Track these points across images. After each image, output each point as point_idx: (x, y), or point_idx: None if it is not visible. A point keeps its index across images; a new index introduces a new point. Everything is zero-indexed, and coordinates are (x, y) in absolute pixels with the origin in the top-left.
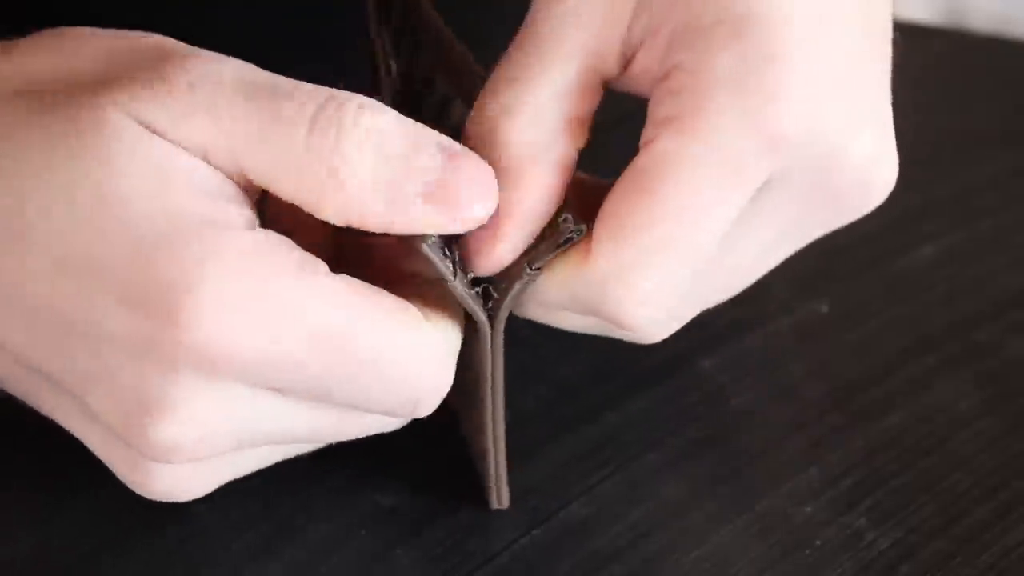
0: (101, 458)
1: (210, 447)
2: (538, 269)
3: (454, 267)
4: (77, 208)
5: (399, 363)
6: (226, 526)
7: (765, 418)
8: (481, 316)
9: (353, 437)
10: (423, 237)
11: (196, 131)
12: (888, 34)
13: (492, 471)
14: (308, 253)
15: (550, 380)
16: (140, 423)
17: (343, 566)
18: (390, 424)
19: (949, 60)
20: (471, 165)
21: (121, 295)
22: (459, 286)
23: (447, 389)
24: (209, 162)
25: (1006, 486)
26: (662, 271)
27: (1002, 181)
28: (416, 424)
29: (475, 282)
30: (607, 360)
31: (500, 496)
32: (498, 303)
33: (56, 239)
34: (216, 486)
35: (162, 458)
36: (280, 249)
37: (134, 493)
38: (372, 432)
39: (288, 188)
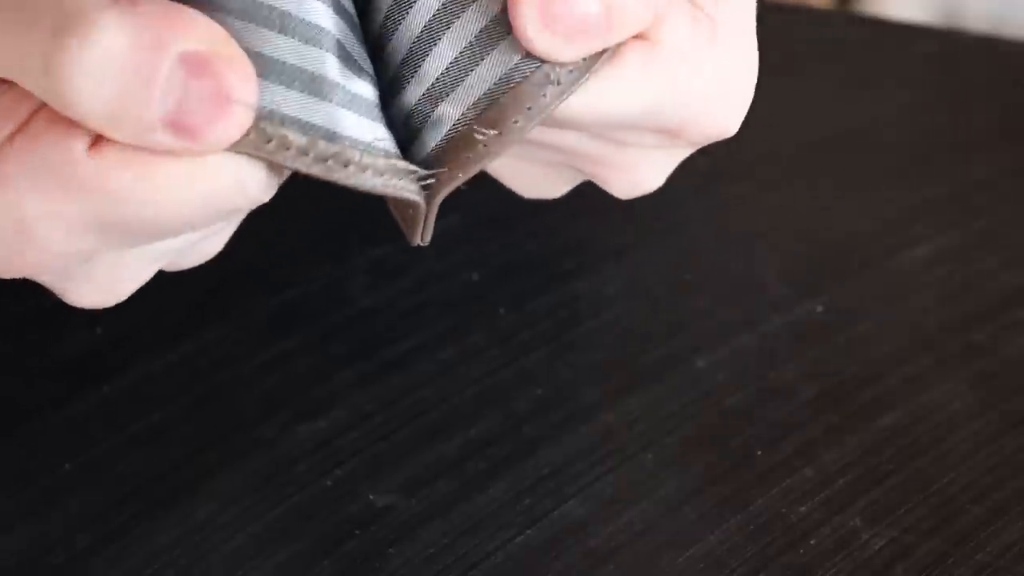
0: None
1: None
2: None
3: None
4: None
5: None
6: (218, 526)
7: (760, 418)
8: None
9: None
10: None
11: None
12: None
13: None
14: None
15: (546, 380)
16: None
17: (336, 567)
18: None
19: (944, 60)
20: (212, 82)
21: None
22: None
23: None
24: None
25: (1001, 486)
26: None
27: (997, 181)
28: (411, 423)
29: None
30: (603, 360)
31: (425, 232)
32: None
33: None
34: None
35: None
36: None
37: (129, 492)
38: None
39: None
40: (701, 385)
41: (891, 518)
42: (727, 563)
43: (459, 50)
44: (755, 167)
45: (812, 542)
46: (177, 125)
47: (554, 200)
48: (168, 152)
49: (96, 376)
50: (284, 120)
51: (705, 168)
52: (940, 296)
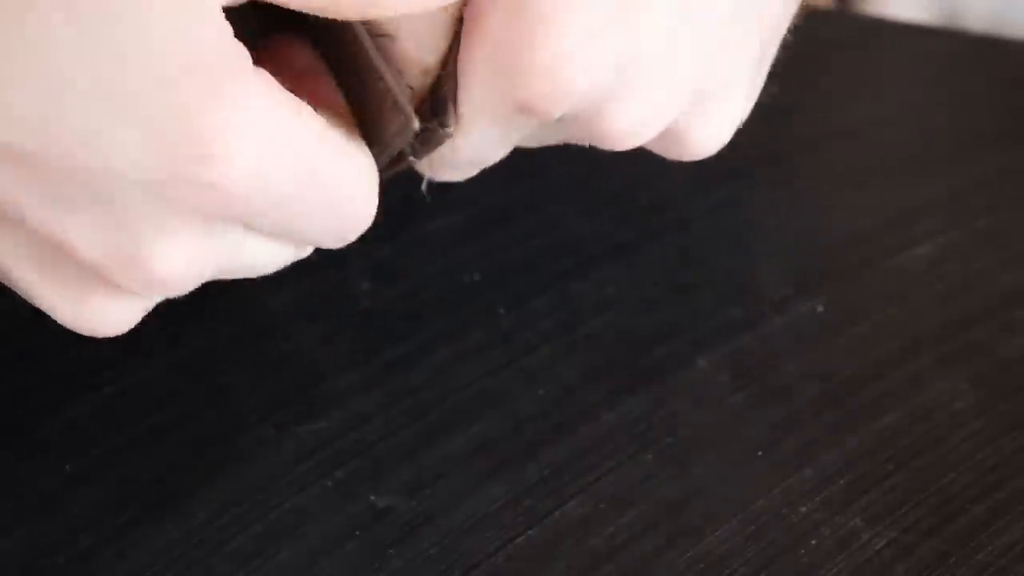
0: (35, 297)
1: (196, 277)
2: None
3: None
4: (94, 29)
5: (349, 193)
6: (219, 527)
7: (760, 418)
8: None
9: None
10: None
11: None
12: None
13: None
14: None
15: (546, 381)
16: (134, 252)
17: (337, 567)
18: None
19: (944, 60)
20: None
21: (142, 127)
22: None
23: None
24: None
25: (1001, 485)
26: None
27: (997, 180)
28: (411, 424)
29: None
30: (603, 360)
31: None
32: None
33: (65, 57)
34: (140, 318)
35: (148, 287)
36: (279, 87)
37: (128, 493)
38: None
39: None
40: (701, 385)
41: (891, 518)
42: (727, 563)
43: None
44: (755, 167)
45: (812, 542)
46: None
47: (554, 199)
48: None
49: (96, 377)
50: None
51: (705, 168)
52: (940, 296)
